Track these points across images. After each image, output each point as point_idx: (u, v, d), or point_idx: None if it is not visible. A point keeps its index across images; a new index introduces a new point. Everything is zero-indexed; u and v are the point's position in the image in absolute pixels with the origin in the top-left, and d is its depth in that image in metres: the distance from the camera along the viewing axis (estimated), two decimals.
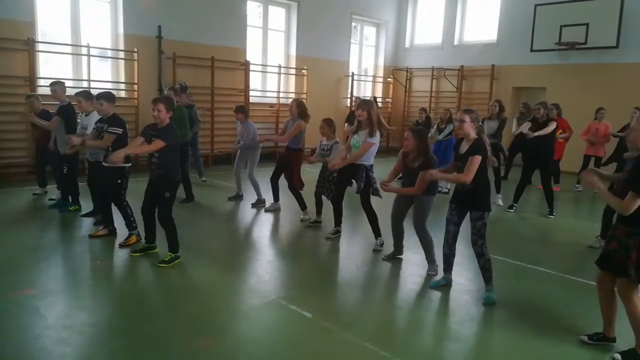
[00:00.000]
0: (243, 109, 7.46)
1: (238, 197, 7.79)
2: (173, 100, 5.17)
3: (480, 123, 4.21)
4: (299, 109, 6.59)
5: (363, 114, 5.30)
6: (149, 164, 4.85)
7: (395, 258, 5.24)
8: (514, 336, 3.70)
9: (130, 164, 5.37)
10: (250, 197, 7.57)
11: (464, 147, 4.19)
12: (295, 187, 6.64)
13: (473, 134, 4.13)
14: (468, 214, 4.25)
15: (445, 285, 4.52)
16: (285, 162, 6.73)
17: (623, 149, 5.98)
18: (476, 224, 4.14)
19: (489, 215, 4.17)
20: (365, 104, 5.39)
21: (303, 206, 6.66)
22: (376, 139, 5.36)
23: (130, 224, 5.38)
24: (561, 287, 4.73)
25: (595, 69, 11.56)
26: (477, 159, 4.03)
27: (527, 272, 5.09)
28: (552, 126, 7.35)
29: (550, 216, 7.44)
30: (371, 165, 5.49)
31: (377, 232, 5.59)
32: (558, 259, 5.55)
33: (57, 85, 6.45)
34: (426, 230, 4.86)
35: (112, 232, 5.59)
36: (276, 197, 7.13)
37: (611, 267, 3.36)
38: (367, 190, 5.48)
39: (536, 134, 7.30)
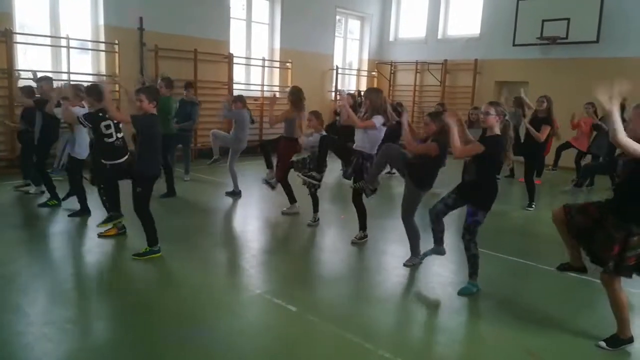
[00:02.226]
0: (242, 98, 7.49)
1: (235, 194, 7.69)
2: (156, 90, 5.09)
3: (506, 117, 4.08)
4: (293, 97, 6.46)
5: (367, 102, 5.27)
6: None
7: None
8: (499, 327, 3.76)
9: (123, 160, 5.18)
10: (247, 194, 7.44)
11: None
12: (280, 176, 6.56)
13: (497, 129, 4.02)
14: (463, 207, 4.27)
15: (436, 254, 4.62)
16: (278, 151, 6.53)
17: (602, 140, 6.06)
18: (467, 219, 4.15)
19: (485, 215, 4.11)
20: (370, 92, 5.41)
21: (292, 200, 6.63)
22: (378, 121, 5.09)
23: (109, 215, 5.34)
24: (543, 279, 4.80)
25: (576, 63, 11.70)
26: (477, 145, 3.97)
27: (510, 265, 5.16)
28: (545, 133, 7.40)
29: (529, 208, 7.55)
30: (369, 155, 5.21)
31: (362, 226, 5.57)
32: (539, 251, 5.64)
33: (45, 80, 6.35)
34: (410, 220, 4.83)
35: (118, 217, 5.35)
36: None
37: (595, 259, 3.39)
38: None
39: (532, 131, 7.34)
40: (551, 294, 4.41)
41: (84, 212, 6.02)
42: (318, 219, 6.14)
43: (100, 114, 5.09)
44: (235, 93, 11.45)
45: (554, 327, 3.72)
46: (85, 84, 6.02)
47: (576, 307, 3.82)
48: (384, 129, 5.21)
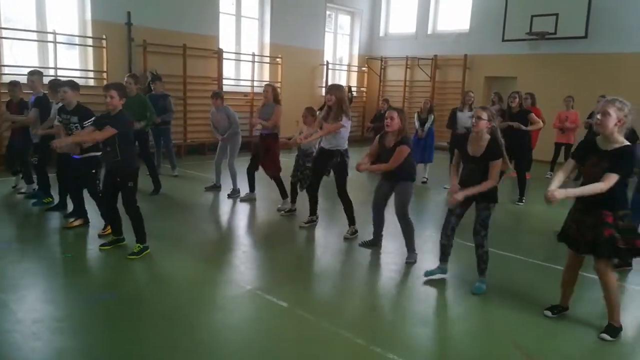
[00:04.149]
0: (220, 94, 7.35)
1: (215, 188, 7.68)
2: (124, 87, 5.03)
3: (494, 123, 4.10)
4: (274, 94, 6.67)
5: (332, 99, 5.35)
6: (105, 154, 4.73)
7: (372, 245, 5.25)
8: (489, 322, 3.79)
9: (101, 153, 5.15)
10: (227, 188, 7.45)
11: (476, 148, 4.09)
12: (275, 174, 6.62)
13: (487, 134, 4.07)
14: (471, 206, 4.24)
15: (439, 275, 4.46)
16: (264, 150, 6.65)
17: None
18: (481, 214, 4.13)
19: (495, 206, 4.17)
20: (335, 88, 5.46)
21: (284, 195, 6.64)
22: (346, 122, 5.37)
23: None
24: (533, 273, 4.84)
25: (564, 58, 11.79)
26: (499, 163, 4.04)
27: (499, 259, 5.18)
28: (539, 124, 7.50)
29: (520, 203, 7.59)
30: (346, 150, 5.50)
31: (351, 220, 5.61)
32: (528, 245, 5.68)
33: (36, 75, 6.32)
34: (408, 217, 4.86)
35: (86, 222, 5.53)
36: (252, 188, 7.08)
37: (603, 252, 3.42)
38: (344, 177, 5.48)
39: (528, 128, 7.35)
40: (541, 288, 4.44)
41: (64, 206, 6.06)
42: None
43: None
44: (225, 89, 11.42)
45: (544, 321, 3.75)
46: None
47: (574, 303, 3.85)
48: (350, 122, 5.49)
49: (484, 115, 4.03)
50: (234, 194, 7.30)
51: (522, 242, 5.81)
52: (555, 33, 11.63)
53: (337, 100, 5.34)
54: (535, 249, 5.50)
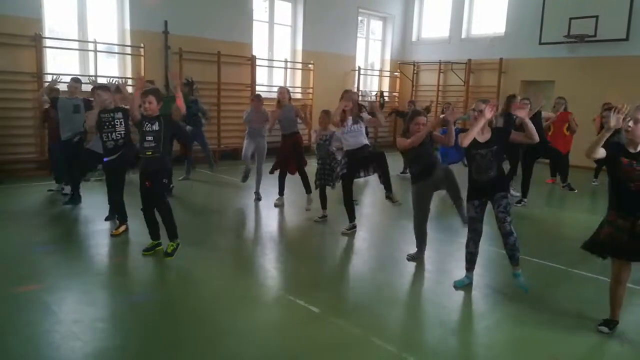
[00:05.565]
0: (261, 98, 7.52)
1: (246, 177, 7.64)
2: (160, 92, 5.17)
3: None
4: (289, 95, 7.04)
5: (349, 104, 5.74)
6: (142, 150, 4.80)
7: (418, 258, 5.07)
8: (525, 331, 3.69)
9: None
10: (271, 194, 7.46)
11: (480, 135, 4.14)
12: (303, 168, 6.91)
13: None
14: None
15: (468, 284, 4.41)
16: (292, 148, 6.87)
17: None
18: (501, 203, 4.13)
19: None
20: (354, 94, 6.05)
21: (308, 190, 6.84)
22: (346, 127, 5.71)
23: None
24: (571, 283, 4.69)
25: (605, 61, 11.43)
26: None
27: (535, 267, 5.05)
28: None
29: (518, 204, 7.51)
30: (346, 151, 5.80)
31: (351, 217, 5.87)
32: (565, 253, 5.50)
33: (79, 82, 6.91)
34: (420, 226, 4.95)
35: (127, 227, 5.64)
36: (281, 192, 7.15)
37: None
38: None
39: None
40: (581, 298, 4.30)
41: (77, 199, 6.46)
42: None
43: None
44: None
45: (582, 332, 3.63)
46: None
47: (606, 312, 3.71)
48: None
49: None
50: (257, 198, 7.37)
51: (560, 251, 5.63)
52: (595, 35, 11.29)
53: (354, 104, 5.83)
54: (573, 256, 5.31)
